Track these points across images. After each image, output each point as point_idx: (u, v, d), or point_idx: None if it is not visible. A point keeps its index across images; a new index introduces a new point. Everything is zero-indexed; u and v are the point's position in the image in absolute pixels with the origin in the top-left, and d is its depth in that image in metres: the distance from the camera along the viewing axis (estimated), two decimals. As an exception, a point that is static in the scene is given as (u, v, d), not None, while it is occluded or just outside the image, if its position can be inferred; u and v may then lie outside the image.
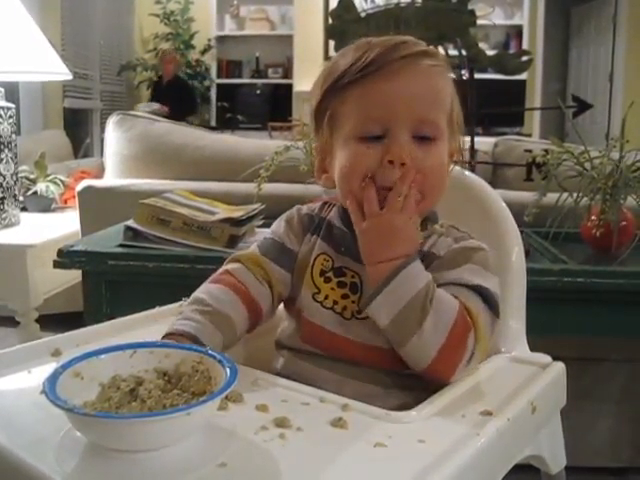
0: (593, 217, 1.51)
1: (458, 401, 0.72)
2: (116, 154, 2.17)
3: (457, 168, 0.92)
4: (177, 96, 6.42)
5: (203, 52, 7.06)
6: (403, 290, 0.73)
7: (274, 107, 7.12)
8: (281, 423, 0.64)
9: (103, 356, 0.66)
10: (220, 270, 0.86)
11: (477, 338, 0.74)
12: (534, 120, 6.83)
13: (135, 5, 6.97)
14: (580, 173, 1.51)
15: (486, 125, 6.23)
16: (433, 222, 0.85)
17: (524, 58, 2.05)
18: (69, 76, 2.47)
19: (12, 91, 3.98)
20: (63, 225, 2.22)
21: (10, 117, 2.12)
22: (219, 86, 7.26)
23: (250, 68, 7.39)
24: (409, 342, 0.73)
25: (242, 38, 7.25)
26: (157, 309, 0.98)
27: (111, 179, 2.17)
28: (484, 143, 2.25)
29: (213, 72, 7.22)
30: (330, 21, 1.98)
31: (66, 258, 1.46)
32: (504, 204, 0.99)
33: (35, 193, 2.48)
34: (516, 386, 0.77)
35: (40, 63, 2.31)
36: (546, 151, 1.58)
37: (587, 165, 1.52)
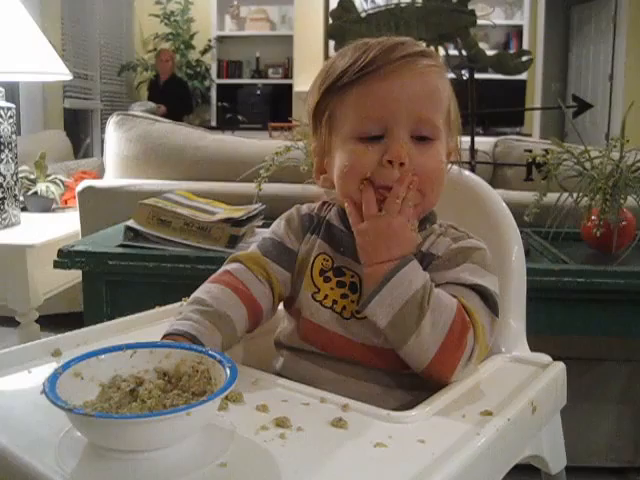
0: (593, 217, 1.51)
1: (458, 401, 0.72)
2: (116, 154, 2.17)
3: (457, 168, 0.92)
4: (174, 95, 6.41)
5: (203, 52, 7.06)
6: (400, 291, 0.73)
7: (274, 107, 7.12)
8: (281, 423, 0.64)
9: (103, 356, 0.66)
10: (220, 270, 0.86)
11: (476, 337, 0.74)
12: (534, 120, 6.83)
13: (135, 5, 6.97)
14: (580, 173, 1.51)
15: (486, 125, 6.23)
16: (432, 222, 0.85)
17: (524, 58, 2.05)
18: (69, 76, 2.47)
19: (12, 91, 3.99)
20: (63, 225, 2.22)
21: (10, 117, 2.12)
22: (219, 86, 7.26)
23: (250, 68, 7.39)
24: (408, 342, 0.73)
25: (242, 38, 7.25)
26: (157, 309, 0.98)
27: (111, 179, 2.17)
28: (484, 143, 2.25)
29: (213, 72, 7.22)
30: (330, 21, 1.98)
31: (66, 258, 1.46)
32: (504, 204, 0.99)
33: (35, 193, 2.48)
34: (516, 386, 0.77)
35: (40, 63, 2.31)
36: (546, 151, 1.58)
37: (587, 165, 1.52)
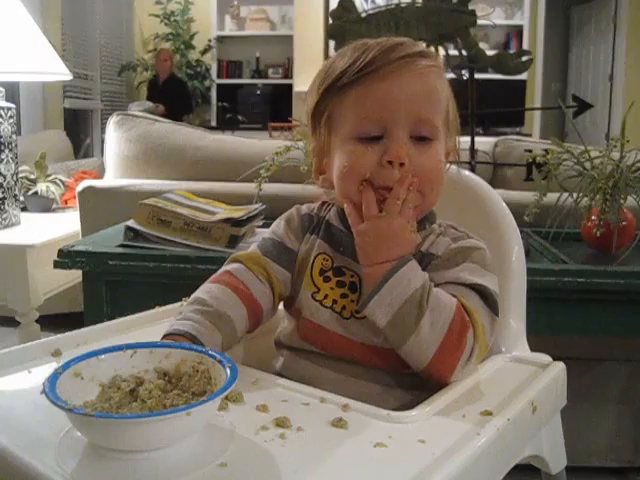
0: (593, 217, 1.51)
1: (458, 401, 0.72)
2: (116, 154, 2.17)
3: (455, 168, 0.92)
4: (173, 95, 6.40)
5: (203, 52, 7.06)
6: (399, 290, 0.74)
7: (274, 107, 7.12)
8: (281, 423, 0.64)
9: (103, 356, 0.66)
10: (220, 270, 0.86)
11: (476, 336, 0.74)
12: (534, 120, 6.83)
13: (135, 5, 6.97)
14: (580, 173, 1.51)
15: (486, 125, 6.23)
16: (431, 222, 0.86)
17: (524, 58, 2.05)
18: (69, 76, 2.47)
19: (12, 91, 3.99)
20: (63, 225, 2.22)
21: (10, 117, 2.12)
22: (219, 86, 7.26)
23: (250, 68, 7.39)
24: (407, 342, 0.73)
25: (242, 38, 7.25)
26: (157, 309, 0.98)
27: (111, 179, 2.17)
28: (484, 143, 2.25)
29: (213, 72, 7.22)
30: (330, 21, 1.98)
31: (66, 258, 1.46)
32: (504, 204, 0.99)
33: (35, 193, 2.48)
34: (516, 386, 0.77)
35: (40, 63, 2.31)
36: (546, 151, 1.58)
37: (587, 165, 1.52)
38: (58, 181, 2.54)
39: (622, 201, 1.48)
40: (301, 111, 0.89)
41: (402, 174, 0.77)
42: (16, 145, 2.16)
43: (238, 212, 1.54)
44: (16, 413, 0.68)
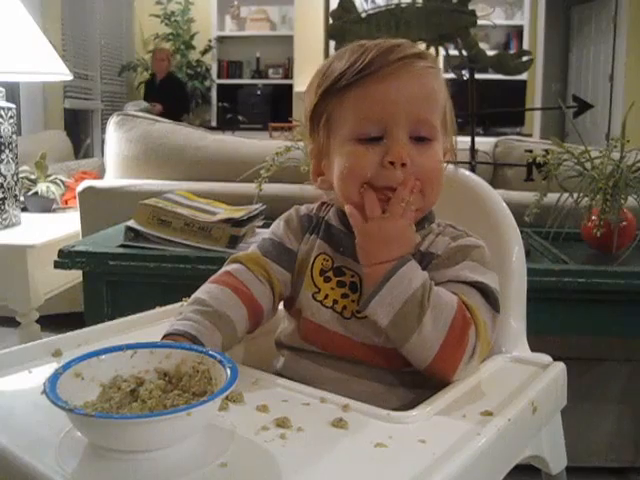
0: (594, 217, 1.51)
1: (459, 401, 0.72)
2: (117, 154, 2.17)
3: (452, 167, 0.92)
4: (170, 94, 6.38)
5: (203, 52, 7.06)
6: (400, 290, 0.74)
7: (275, 107, 7.12)
8: (282, 423, 0.64)
9: (104, 356, 0.66)
10: (220, 271, 0.86)
11: (478, 333, 0.74)
12: (534, 120, 6.83)
13: (135, 5, 6.97)
14: (581, 173, 1.51)
15: (486, 125, 6.23)
16: (430, 221, 0.86)
17: (524, 58, 2.05)
18: (70, 77, 2.47)
19: (13, 91, 3.99)
20: (64, 225, 2.22)
21: (11, 117, 2.12)
22: (220, 86, 7.26)
23: (250, 68, 7.39)
24: (410, 340, 0.73)
25: (242, 38, 7.25)
26: (158, 309, 0.98)
27: (112, 179, 2.17)
28: (484, 143, 2.25)
29: (214, 72, 7.22)
30: (330, 21, 1.98)
31: (67, 258, 1.46)
32: (504, 204, 0.99)
33: (36, 193, 2.48)
34: (517, 386, 0.77)
35: (41, 64, 2.31)
36: (546, 151, 1.58)
37: (588, 165, 1.52)
38: (58, 181, 2.54)
39: (622, 201, 1.48)
40: (301, 111, 0.89)
41: (404, 175, 0.77)
42: (16, 145, 2.16)
43: (238, 212, 1.54)
44: (16, 413, 0.68)
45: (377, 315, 0.75)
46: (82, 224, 2.01)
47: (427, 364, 0.74)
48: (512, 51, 6.38)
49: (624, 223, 1.51)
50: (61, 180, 2.56)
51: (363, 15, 1.89)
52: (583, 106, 1.90)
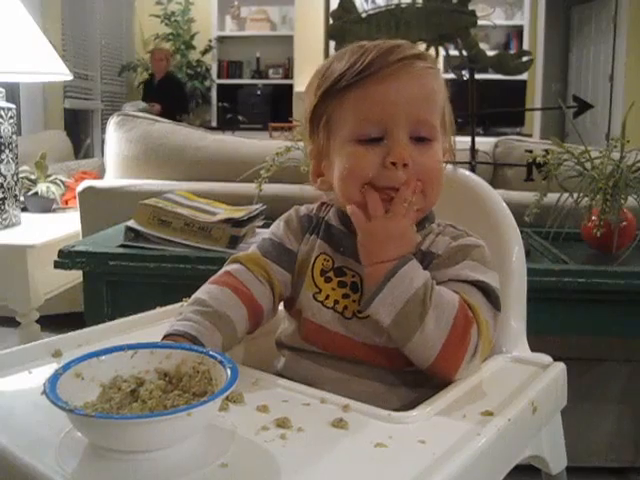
0: (594, 217, 1.51)
1: (459, 401, 0.72)
2: (117, 155, 2.17)
3: (451, 167, 0.92)
4: (169, 94, 6.36)
5: (204, 53, 7.06)
6: (401, 289, 0.74)
7: (275, 107, 7.12)
8: (282, 423, 0.64)
9: (104, 357, 0.66)
10: (220, 271, 0.86)
11: (480, 332, 0.74)
12: (534, 120, 6.83)
13: (136, 6, 6.97)
14: (581, 173, 1.51)
15: (487, 125, 6.23)
16: (430, 221, 0.86)
17: (524, 58, 2.05)
18: (70, 77, 2.47)
19: (13, 92, 3.99)
20: (64, 225, 2.22)
21: (11, 117, 2.12)
22: (220, 86, 7.26)
23: (251, 68, 7.39)
24: (412, 339, 0.73)
25: (243, 39, 7.25)
26: (158, 310, 0.99)
27: (112, 180, 2.17)
28: (484, 143, 2.25)
29: (214, 72, 7.22)
30: (331, 22, 1.98)
31: (67, 258, 1.46)
32: (504, 204, 0.99)
33: (36, 193, 2.48)
34: (517, 386, 0.78)
35: (41, 64, 2.31)
36: (547, 151, 1.58)
37: (588, 165, 1.52)
38: (58, 181, 2.54)
39: (622, 201, 1.48)
40: (301, 111, 0.89)
41: (406, 175, 0.77)
42: (16, 145, 2.16)
43: (238, 212, 1.54)
44: (16, 413, 0.68)
45: (379, 314, 0.75)
46: (82, 224, 2.01)
47: (429, 363, 0.74)
48: (512, 51, 6.38)
49: (624, 223, 1.51)
50: (61, 180, 2.56)
51: (363, 15, 1.89)
52: (583, 106, 1.91)
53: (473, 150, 1.93)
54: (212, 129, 4.95)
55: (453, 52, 1.98)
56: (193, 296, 0.83)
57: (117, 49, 6.68)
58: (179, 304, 0.96)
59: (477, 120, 1.98)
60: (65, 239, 1.97)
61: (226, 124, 6.91)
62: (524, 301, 0.96)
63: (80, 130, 5.83)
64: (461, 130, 0.90)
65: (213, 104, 7.25)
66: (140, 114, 2.27)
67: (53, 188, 2.50)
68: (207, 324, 0.77)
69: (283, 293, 0.87)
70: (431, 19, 1.85)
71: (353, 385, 0.79)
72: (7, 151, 2.10)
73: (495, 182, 2.11)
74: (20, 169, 2.27)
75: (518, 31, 6.95)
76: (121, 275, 1.47)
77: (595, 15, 7.05)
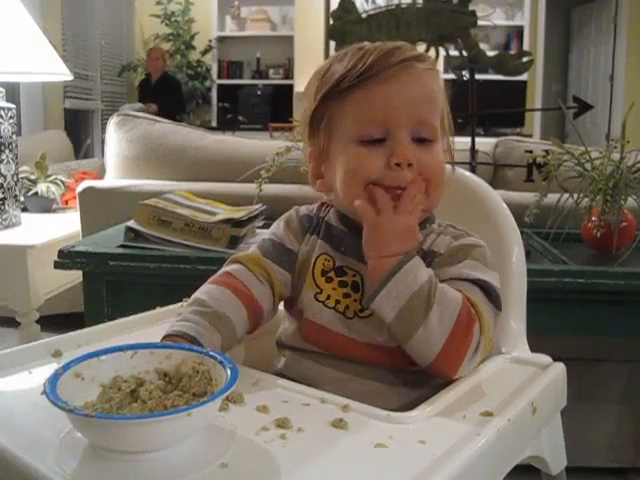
0: (594, 218, 1.51)
1: (459, 402, 0.72)
2: (117, 155, 2.17)
3: (449, 167, 0.92)
4: (166, 94, 6.34)
5: (204, 53, 7.06)
6: (407, 283, 0.74)
7: (275, 108, 7.12)
8: (282, 424, 0.64)
9: (104, 357, 0.66)
10: (220, 271, 0.86)
11: (482, 329, 0.74)
12: (535, 121, 6.83)
13: (136, 6, 6.97)
14: (581, 174, 1.51)
15: (487, 126, 6.23)
16: (431, 221, 0.87)
17: (525, 59, 2.05)
18: (70, 77, 2.47)
19: (13, 92, 3.99)
20: (64, 226, 2.22)
21: (11, 118, 2.12)
22: (220, 87, 7.26)
23: (251, 69, 7.39)
24: (415, 335, 0.73)
25: (243, 39, 7.25)
26: (158, 310, 0.99)
27: (112, 180, 2.17)
28: (485, 144, 2.25)
29: (214, 73, 7.22)
30: (331, 22, 1.98)
31: (67, 259, 1.46)
32: (504, 205, 0.99)
33: (36, 194, 2.48)
34: (517, 387, 0.78)
35: (41, 64, 2.31)
36: (547, 152, 1.58)
37: (588, 166, 1.52)
38: (58, 181, 2.54)
39: (622, 202, 1.48)
40: (301, 112, 0.89)
41: (412, 175, 0.78)
42: (16, 145, 2.16)
43: (238, 213, 1.54)
44: (16, 413, 0.68)
45: (383, 309, 0.75)
46: (82, 224, 2.01)
47: (431, 361, 0.74)
48: (512, 52, 6.38)
49: (624, 224, 1.51)
50: (61, 180, 2.56)
51: (363, 16, 1.90)
52: (583, 107, 1.91)
53: (473, 150, 1.93)
54: (212, 129, 4.95)
55: (453, 52, 1.99)
56: (193, 296, 0.83)
57: (117, 49, 6.68)
58: (179, 304, 0.96)
59: (477, 120, 1.98)
60: (65, 239, 1.97)
61: (226, 124, 6.91)
62: (524, 302, 0.96)
63: (80, 130, 5.83)
64: (461, 130, 0.90)
65: (213, 104, 7.25)
66: (140, 114, 2.27)
67: (53, 188, 2.50)
68: (206, 325, 0.77)
69: (283, 293, 0.87)
70: (431, 19, 1.85)
71: (354, 385, 0.79)
72: (7, 151, 2.10)
73: (495, 183, 2.11)
74: (20, 169, 2.27)
75: (518, 31, 6.96)
76: (121, 275, 1.47)
77: (595, 16, 7.05)
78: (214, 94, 7.24)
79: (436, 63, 0.87)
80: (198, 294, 0.83)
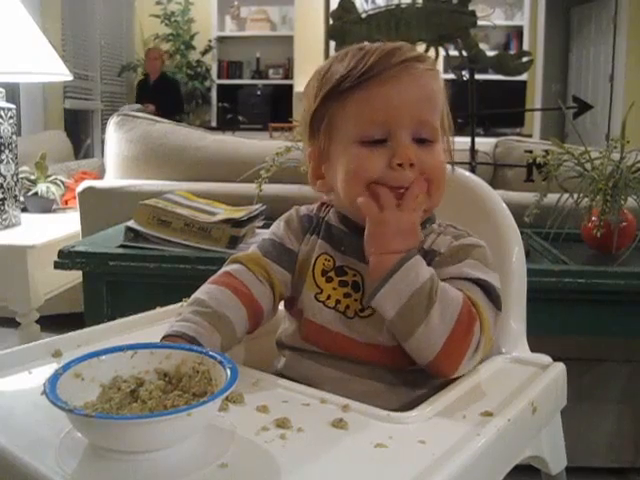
0: (594, 218, 1.51)
1: (459, 402, 0.72)
2: (117, 155, 2.17)
3: (449, 167, 0.93)
4: (164, 94, 6.33)
5: (204, 53, 7.06)
6: (409, 281, 0.74)
7: (275, 108, 7.12)
8: (282, 424, 0.64)
9: (104, 357, 0.66)
10: (220, 271, 0.86)
11: (482, 328, 0.74)
12: (534, 121, 6.83)
13: (136, 6, 6.97)
14: (580, 174, 1.51)
15: (486, 126, 6.24)
16: (432, 221, 0.87)
17: (524, 59, 2.05)
18: (69, 77, 2.47)
19: (13, 92, 3.99)
20: (64, 226, 2.22)
21: (11, 118, 2.12)
22: (220, 87, 7.27)
23: (251, 69, 7.40)
24: (415, 333, 0.73)
25: (243, 39, 7.26)
26: (158, 310, 0.99)
27: (112, 180, 2.17)
28: (484, 144, 2.25)
29: (214, 73, 7.22)
30: (331, 22, 1.98)
31: (67, 259, 1.46)
32: (504, 205, 0.99)
33: (36, 194, 2.48)
34: (516, 387, 0.78)
35: (41, 64, 2.31)
36: (546, 152, 1.58)
37: (587, 166, 1.52)
38: (58, 182, 2.54)
39: (622, 202, 1.48)
40: (301, 112, 0.89)
41: (413, 174, 0.78)
42: (16, 146, 2.16)
43: (238, 213, 1.54)
44: (16, 413, 0.68)
45: (384, 306, 0.75)
46: (82, 224, 2.01)
47: (430, 359, 0.74)
48: (512, 52, 6.38)
49: (624, 224, 1.51)
50: (61, 180, 2.56)
51: (363, 15, 1.90)
52: (583, 107, 1.91)
53: (473, 151, 1.93)
54: (212, 129, 4.94)
55: (453, 52, 1.99)
56: (192, 296, 0.83)
57: (117, 49, 6.68)
58: (179, 304, 0.96)
59: (477, 120, 1.98)
60: (65, 239, 1.97)
61: (226, 124, 6.92)
62: (524, 302, 0.96)
63: (80, 130, 5.83)
64: (461, 130, 0.90)
65: (213, 104, 7.25)
66: (140, 114, 2.27)
67: (53, 188, 2.50)
68: (206, 325, 0.77)
69: (283, 293, 0.87)
70: (431, 19, 1.85)
71: (354, 385, 0.79)
72: (7, 151, 2.10)
73: (495, 183, 2.11)
74: (20, 169, 2.27)
75: (518, 31, 6.96)
76: (121, 275, 1.47)
77: (595, 15, 7.05)
78: (214, 94, 7.24)
79: (436, 63, 0.87)
80: (198, 294, 0.83)
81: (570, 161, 1.53)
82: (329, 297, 0.83)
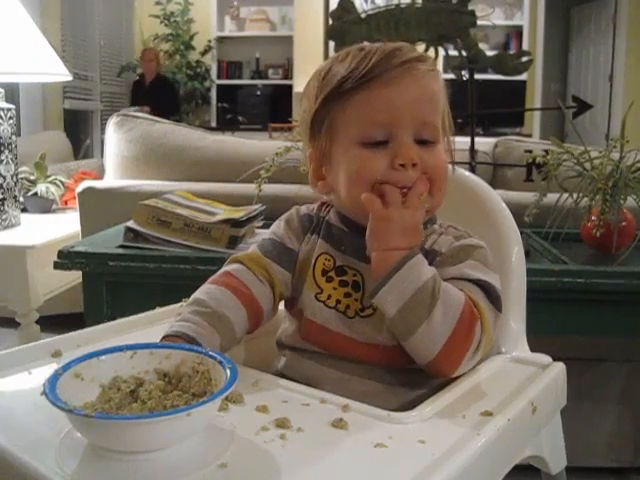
0: (593, 217, 1.51)
1: (458, 401, 0.72)
2: (116, 155, 2.17)
3: (457, 169, 0.93)
4: (160, 95, 6.29)
5: (203, 53, 7.06)
6: (411, 278, 0.74)
7: (274, 108, 7.13)
8: (281, 424, 0.64)
9: (103, 357, 0.66)
10: (220, 271, 0.86)
11: (483, 328, 0.74)
12: (534, 121, 6.83)
13: (135, 6, 6.97)
14: (580, 173, 1.51)
15: (486, 125, 6.24)
16: (433, 222, 0.86)
17: (524, 58, 2.05)
18: (69, 77, 2.47)
19: (12, 92, 4.00)
20: (63, 226, 2.23)
21: (10, 118, 2.12)
22: (219, 87, 7.27)
23: (250, 69, 7.40)
24: (416, 332, 0.73)
25: (242, 39, 7.26)
26: (158, 310, 0.99)
27: (111, 180, 2.17)
28: (484, 143, 2.25)
29: (213, 73, 7.22)
30: (330, 22, 1.98)
31: (66, 259, 1.46)
32: (504, 205, 0.99)
33: (35, 194, 2.48)
34: (516, 386, 0.78)
35: (40, 64, 2.31)
36: (546, 151, 1.58)
37: (587, 165, 1.52)
38: (58, 182, 2.54)
39: (622, 201, 1.48)
40: (301, 112, 0.89)
41: (416, 174, 0.78)
42: (16, 146, 2.16)
43: (238, 213, 1.54)
44: (16, 414, 0.68)
45: (386, 304, 0.74)
46: (82, 225, 2.01)
47: (430, 359, 0.74)
48: (512, 51, 6.38)
49: (624, 223, 1.51)
50: (61, 181, 2.56)
51: (363, 16, 1.90)
52: (582, 106, 1.91)
53: (473, 150, 1.93)
54: (212, 129, 4.95)
55: (453, 52, 1.99)
56: (192, 296, 0.83)
57: (117, 49, 6.67)
58: (179, 304, 0.96)
59: (477, 120, 1.98)
60: (65, 239, 1.97)
61: (226, 124, 6.91)
62: (524, 301, 0.96)
63: (80, 131, 5.83)
64: (461, 130, 0.90)
65: (213, 104, 7.25)
66: (140, 114, 2.27)
67: (53, 189, 2.50)
68: (205, 325, 0.77)
69: (284, 293, 0.87)
70: (431, 19, 1.85)
71: (354, 385, 0.79)
72: (6, 152, 2.10)
73: (495, 182, 2.11)
74: (20, 170, 2.27)
75: (518, 31, 6.96)
76: (121, 275, 1.47)
77: (595, 15, 7.05)
78: (213, 94, 7.24)
79: (436, 63, 0.86)
80: (198, 294, 0.82)
81: (570, 161, 1.53)
82: (329, 297, 0.83)
